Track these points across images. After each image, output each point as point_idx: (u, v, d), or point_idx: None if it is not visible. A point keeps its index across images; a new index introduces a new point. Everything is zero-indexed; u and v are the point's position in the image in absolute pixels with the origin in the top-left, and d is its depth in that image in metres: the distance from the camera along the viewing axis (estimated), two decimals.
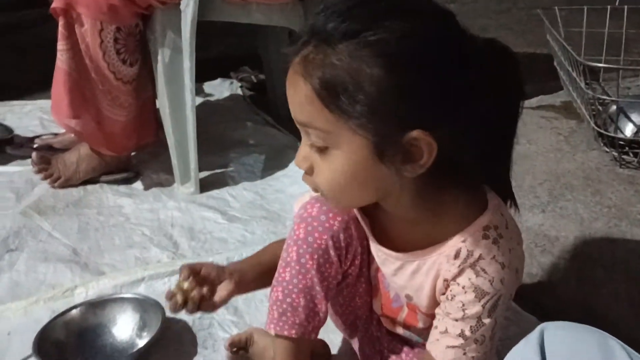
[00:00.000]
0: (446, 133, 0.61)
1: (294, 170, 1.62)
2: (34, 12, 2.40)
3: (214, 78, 2.11)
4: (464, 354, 0.69)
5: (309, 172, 0.67)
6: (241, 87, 2.10)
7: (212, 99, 2.03)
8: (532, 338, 0.57)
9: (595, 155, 1.53)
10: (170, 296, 0.80)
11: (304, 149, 0.66)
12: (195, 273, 0.82)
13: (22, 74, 2.04)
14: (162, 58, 1.42)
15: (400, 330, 0.84)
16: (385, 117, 0.60)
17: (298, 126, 0.66)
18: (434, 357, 0.70)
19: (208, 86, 2.07)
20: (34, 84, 1.91)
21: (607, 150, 1.50)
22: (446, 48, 0.61)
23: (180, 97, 1.44)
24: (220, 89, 2.09)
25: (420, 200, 0.68)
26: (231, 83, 2.11)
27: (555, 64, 1.78)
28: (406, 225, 0.72)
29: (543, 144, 1.59)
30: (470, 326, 0.68)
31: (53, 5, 1.31)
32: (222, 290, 0.83)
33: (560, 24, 1.75)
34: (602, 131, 1.50)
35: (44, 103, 1.81)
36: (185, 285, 0.81)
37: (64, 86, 1.35)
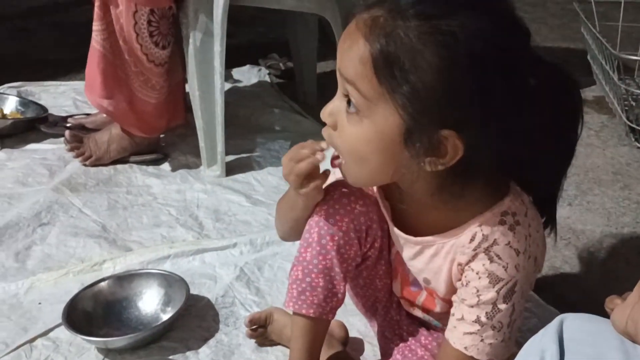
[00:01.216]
0: (476, 140, 0.61)
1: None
2: None
3: (242, 64, 2.12)
4: (481, 340, 0.69)
5: (333, 127, 0.67)
6: (269, 74, 2.11)
7: (240, 85, 2.05)
8: (550, 327, 0.57)
9: (626, 150, 1.51)
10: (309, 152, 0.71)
11: (334, 104, 0.67)
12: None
13: (60, 54, 2.09)
14: (193, 41, 1.44)
15: (419, 314, 0.85)
16: (427, 106, 0.60)
17: (339, 78, 0.66)
18: (452, 345, 0.70)
19: (236, 72, 2.09)
20: (70, 64, 1.96)
21: (639, 145, 1.47)
22: (508, 60, 0.61)
23: (210, 81, 1.46)
24: (249, 75, 2.11)
25: (436, 189, 0.68)
26: (259, 70, 2.13)
27: (588, 57, 1.75)
28: (425, 210, 0.73)
29: None
30: (486, 312, 0.68)
31: None
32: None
33: (596, 17, 1.72)
34: (634, 126, 1.47)
35: (77, 84, 1.86)
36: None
37: (98, 66, 1.38)
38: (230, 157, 1.56)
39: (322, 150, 0.71)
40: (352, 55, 0.63)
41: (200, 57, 1.45)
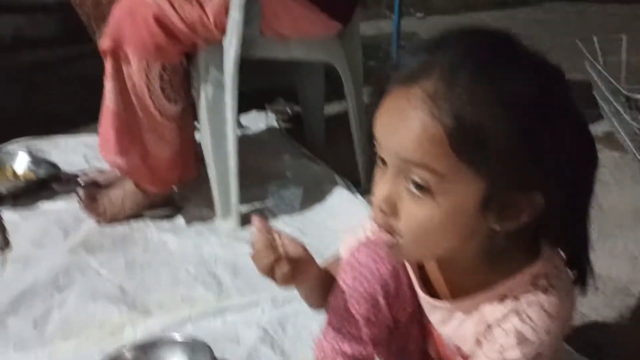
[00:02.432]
0: (554, 194, 0.61)
1: (331, 204, 1.62)
2: (79, 47, 2.47)
3: (249, 110, 2.13)
4: None
5: (392, 213, 0.63)
6: (276, 119, 2.12)
7: (248, 131, 2.05)
8: None
9: None
10: (261, 254, 0.72)
11: (389, 189, 0.63)
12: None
13: (67, 107, 2.10)
14: (205, 94, 1.45)
15: None
16: (510, 168, 0.58)
17: (393, 161, 0.62)
18: None
19: (244, 118, 2.09)
20: (78, 117, 1.97)
21: None
22: (568, 114, 0.61)
23: (222, 133, 1.46)
24: (256, 121, 2.11)
25: (484, 250, 0.66)
26: (266, 115, 2.14)
27: (594, 93, 1.76)
28: (456, 272, 0.71)
29: None
30: None
31: (102, 46, 1.35)
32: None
33: (599, 53, 1.74)
34: None
35: (87, 138, 1.85)
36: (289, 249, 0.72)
37: (112, 125, 1.38)
38: (244, 207, 1.55)
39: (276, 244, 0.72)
40: (416, 136, 0.59)
41: (212, 109, 1.46)
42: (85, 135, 1.88)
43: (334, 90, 1.83)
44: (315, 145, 1.97)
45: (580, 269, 0.72)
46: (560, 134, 0.60)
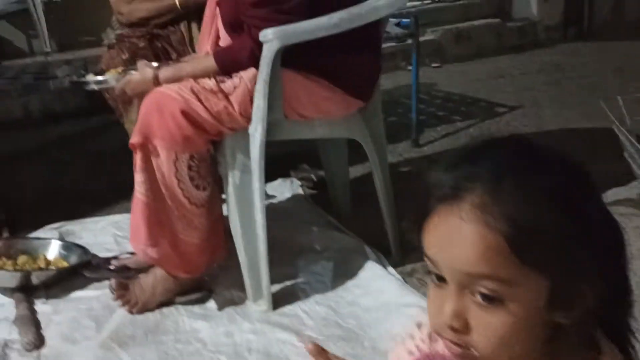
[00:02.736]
0: (610, 281, 0.62)
1: (363, 280, 1.59)
2: (101, 119, 2.54)
3: (273, 178, 2.14)
4: None
5: (465, 330, 0.62)
6: (301, 186, 2.12)
7: (274, 201, 2.05)
8: None
9: None
10: None
11: (455, 303, 0.62)
12: None
13: (94, 184, 2.13)
14: (232, 180, 1.46)
15: None
16: (567, 261, 0.60)
17: (453, 277, 0.62)
18: None
19: (269, 187, 2.10)
20: (107, 195, 1.99)
21: None
22: (595, 197, 0.64)
23: (251, 216, 1.47)
24: (282, 189, 2.12)
25: (549, 348, 0.65)
26: (291, 182, 2.14)
27: (625, 155, 1.73)
28: None
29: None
30: None
31: (131, 141, 1.38)
32: None
33: (625, 114, 1.72)
34: None
35: (116, 218, 1.87)
36: None
37: (143, 216, 1.39)
38: (275, 287, 1.54)
39: None
40: (477, 248, 0.59)
41: (239, 194, 1.47)
42: (114, 215, 1.90)
43: (357, 151, 1.82)
44: (341, 212, 1.96)
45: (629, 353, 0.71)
46: (595, 216, 0.62)
